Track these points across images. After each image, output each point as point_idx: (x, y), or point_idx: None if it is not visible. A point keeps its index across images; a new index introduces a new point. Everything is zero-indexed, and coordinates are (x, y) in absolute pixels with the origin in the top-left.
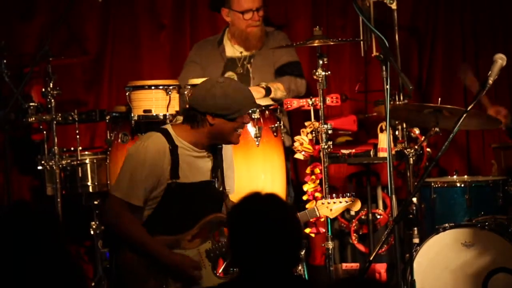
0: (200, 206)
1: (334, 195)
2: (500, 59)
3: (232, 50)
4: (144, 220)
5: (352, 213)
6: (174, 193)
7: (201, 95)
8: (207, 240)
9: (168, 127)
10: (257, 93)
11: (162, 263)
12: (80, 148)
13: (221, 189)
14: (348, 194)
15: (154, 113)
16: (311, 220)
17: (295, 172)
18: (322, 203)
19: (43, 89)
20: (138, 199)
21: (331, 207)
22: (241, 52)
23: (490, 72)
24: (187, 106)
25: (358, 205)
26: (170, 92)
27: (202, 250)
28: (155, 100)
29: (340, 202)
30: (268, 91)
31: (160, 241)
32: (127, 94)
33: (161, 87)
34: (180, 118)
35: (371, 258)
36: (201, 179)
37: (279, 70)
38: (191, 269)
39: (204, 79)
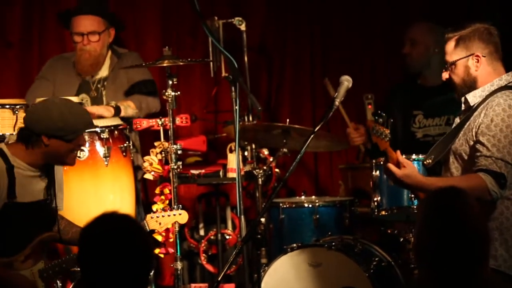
0: (34, 226)
1: (162, 209)
2: (346, 81)
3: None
4: None
5: (201, 233)
6: (10, 213)
7: (36, 116)
8: (40, 260)
9: (3, 146)
10: (106, 112)
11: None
12: None
13: (54, 207)
14: (175, 207)
15: (0, 133)
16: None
17: (145, 192)
18: (151, 217)
19: None
20: None
21: (160, 220)
22: (92, 76)
23: (336, 93)
24: (22, 125)
25: (185, 218)
26: (17, 112)
27: (35, 270)
28: (1, 119)
29: (169, 215)
30: (117, 110)
31: None
32: None
33: (7, 106)
34: (12, 138)
35: (219, 279)
36: (36, 198)
37: (131, 89)
38: None
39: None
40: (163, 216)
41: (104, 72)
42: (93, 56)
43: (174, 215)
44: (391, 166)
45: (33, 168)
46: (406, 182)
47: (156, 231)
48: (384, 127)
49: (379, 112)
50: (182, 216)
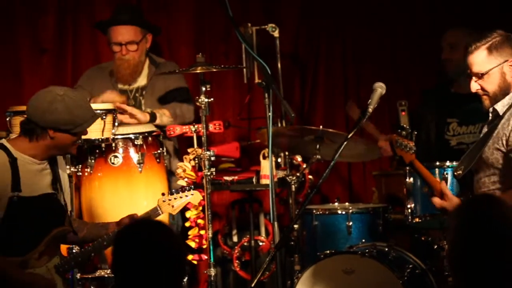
0: (44, 220)
1: (174, 190)
2: (380, 88)
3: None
4: None
5: (235, 239)
6: (17, 207)
7: (41, 109)
8: (55, 256)
9: (3, 141)
10: (142, 116)
11: (15, 285)
12: None
13: (62, 201)
14: (187, 188)
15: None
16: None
17: None
18: (163, 201)
19: None
20: None
21: (173, 203)
22: (130, 84)
23: (370, 100)
24: (26, 118)
25: (198, 198)
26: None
27: (51, 266)
28: None
29: (181, 197)
30: (153, 117)
31: (9, 262)
32: (7, 119)
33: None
34: (1, 134)
35: (253, 285)
36: (43, 192)
37: (166, 97)
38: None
39: None
40: (175, 198)
41: (142, 81)
42: (132, 65)
43: (187, 196)
44: (435, 199)
45: (37, 160)
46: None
47: (189, 237)
48: (408, 140)
49: (402, 125)
50: (195, 197)
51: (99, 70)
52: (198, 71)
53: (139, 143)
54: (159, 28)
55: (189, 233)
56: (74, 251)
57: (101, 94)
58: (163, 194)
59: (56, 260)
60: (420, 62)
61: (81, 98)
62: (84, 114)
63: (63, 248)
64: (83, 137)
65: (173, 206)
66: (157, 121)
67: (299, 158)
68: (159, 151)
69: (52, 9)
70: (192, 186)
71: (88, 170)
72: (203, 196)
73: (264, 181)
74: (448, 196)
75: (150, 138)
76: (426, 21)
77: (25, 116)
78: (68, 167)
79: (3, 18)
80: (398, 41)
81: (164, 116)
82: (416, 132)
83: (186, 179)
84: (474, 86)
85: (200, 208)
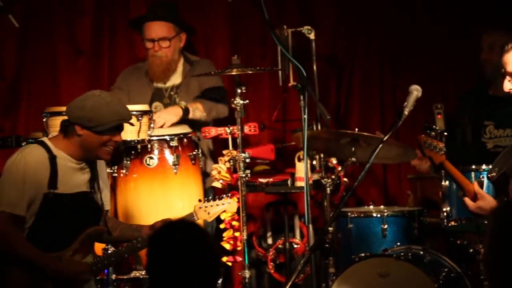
0: (78, 217)
1: (211, 198)
2: (416, 90)
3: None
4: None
5: (269, 242)
6: (52, 204)
7: (74, 105)
8: (88, 254)
9: (44, 139)
10: (174, 116)
11: (51, 275)
12: None
13: (99, 201)
14: (224, 195)
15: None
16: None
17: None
18: (200, 207)
19: None
20: (22, 209)
21: (209, 210)
22: (164, 83)
23: (405, 103)
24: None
25: (234, 206)
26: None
27: None
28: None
29: (217, 205)
30: (186, 111)
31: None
32: (44, 120)
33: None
34: (38, 134)
35: (287, 287)
36: (79, 190)
37: (201, 94)
38: (81, 274)
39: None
40: (211, 205)
41: (177, 79)
42: (164, 62)
43: (223, 204)
44: (467, 200)
45: (75, 159)
46: (480, 214)
47: (223, 239)
48: (438, 140)
49: (430, 125)
50: (231, 205)
51: (135, 70)
52: (233, 73)
53: (174, 144)
54: (193, 28)
55: (224, 235)
56: (109, 251)
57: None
58: (199, 201)
59: (89, 258)
60: (457, 64)
61: (113, 101)
62: (109, 115)
63: (98, 247)
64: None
65: (209, 213)
66: (190, 115)
67: (334, 161)
68: (194, 153)
69: (89, 10)
70: (229, 194)
71: (124, 171)
72: (238, 198)
73: (299, 183)
74: (481, 195)
75: (185, 140)
76: (464, 23)
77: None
78: None
79: (40, 19)
80: (436, 43)
81: (197, 110)
82: (446, 134)
83: (221, 181)
84: (508, 85)
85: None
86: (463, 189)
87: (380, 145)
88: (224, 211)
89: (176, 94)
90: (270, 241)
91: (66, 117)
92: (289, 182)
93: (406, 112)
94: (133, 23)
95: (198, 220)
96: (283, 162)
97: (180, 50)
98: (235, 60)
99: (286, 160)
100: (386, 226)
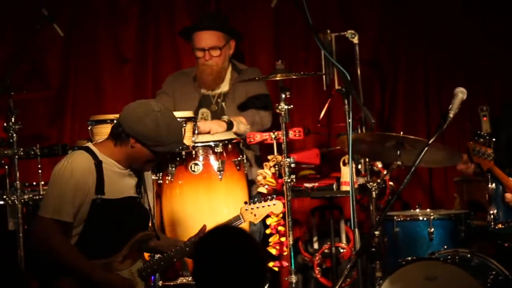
0: (126, 222)
1: (256, 199)
2: (461, 93)
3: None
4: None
5: (315, 246)
6: (100, 210)
7: (132, 118)
8: (138, 259)
9: (89, 144)
10: (219, 126)
11: (97, 285)
12: (42, 182)
13: (146, 205)
14: (270, 197)
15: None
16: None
17: None
18: (246, 209)
19: (5, 124)
20: (67, 214)
21: (255, 212)
22: (212, 89)
23: (451, 106)
24: (116, 121)
25: (280, 207)
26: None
27: (134, 270)
28: None
29: (263, 206)
30: (230, 125)
31: (91, 263)
32: (89, 128)
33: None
34: (83, 142)
35: None
36: (126, 195)
37: (246, 102)
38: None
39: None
40: (257, 207)
41: (225, 87)
42: (215, 71)
43: (269, 205)
44: (508, 195)
45: (121, 166)
46: None
47: (270, 244)
48: (486, 146)
49: (479, 132)
50: (277, 206)
51: (182, 76)
52: (277, 78)
53: (219, 150)
54: (241, 34)
55: (270, 240)
56: (156, 256)
57: (202, 122)
58: (245, 203)
59: (139, 264)
60: (502, 67)
61: (176, 123)
62: (169, 137)
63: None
64: None
65: (255, 215)
66: (234, 129)
67: (379, 165)
68: (239, 159)
69: (133, 18)
70: (275, 196)
71: (169, 178)
72: (284, 204)
73: (345, 187)
74: None
75: (230, 146)
76: (509, 25)
77: (117, 120)
78: None
79: (85, 28)
80: (482, 46)
81: (241, 124)
82: (494, 139)
83: (266, 186)
84: None
85: (281, 215)
86: (503, 185)
87: (426, 148)
88: (270, 216)
89: (223, 102)
90: (316, 246)
91: (111, 125)
92: (334, 186)
93: (451, 115)
94: (183, 32)
95: (244, 223)
96: (328, 166)
97: (229, 58)
98: (279, 65)
99: (331, 165)
100: (432, 230)
